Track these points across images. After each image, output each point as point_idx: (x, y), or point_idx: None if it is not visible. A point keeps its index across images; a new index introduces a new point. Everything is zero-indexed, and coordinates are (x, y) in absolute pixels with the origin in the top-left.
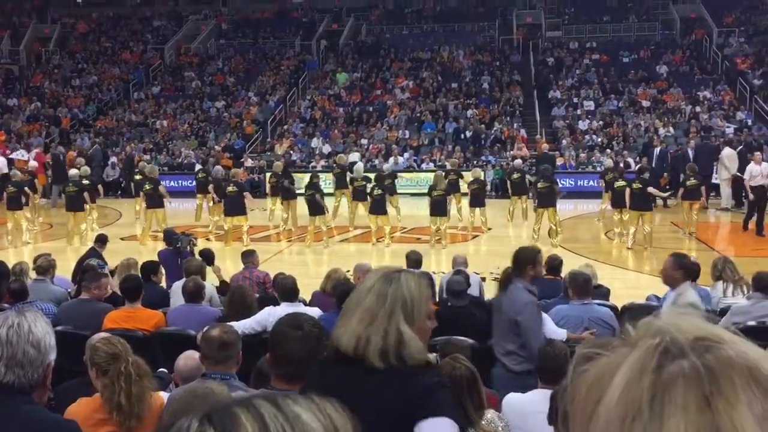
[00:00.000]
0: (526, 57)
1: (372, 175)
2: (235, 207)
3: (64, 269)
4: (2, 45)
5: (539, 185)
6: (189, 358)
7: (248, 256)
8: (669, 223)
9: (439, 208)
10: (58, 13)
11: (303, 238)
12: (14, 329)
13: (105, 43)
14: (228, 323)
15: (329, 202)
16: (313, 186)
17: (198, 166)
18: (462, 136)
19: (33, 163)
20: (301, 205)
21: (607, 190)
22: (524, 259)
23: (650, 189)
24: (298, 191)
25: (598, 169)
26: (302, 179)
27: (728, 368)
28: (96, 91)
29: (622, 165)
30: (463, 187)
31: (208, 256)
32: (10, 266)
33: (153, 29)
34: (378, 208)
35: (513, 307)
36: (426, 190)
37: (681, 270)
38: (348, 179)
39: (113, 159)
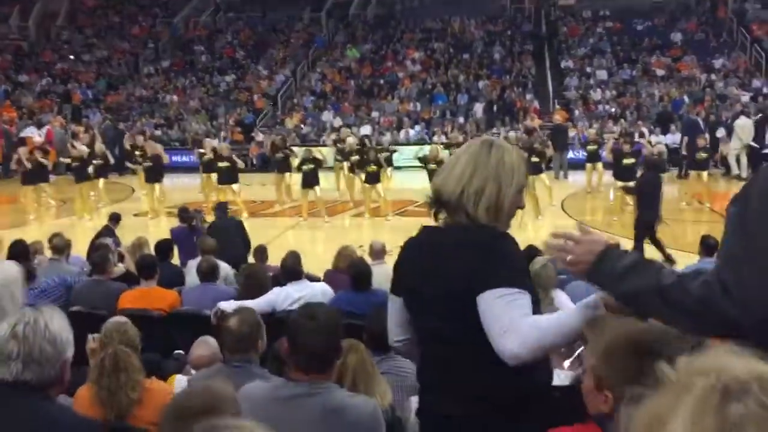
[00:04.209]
0: (538, 26)
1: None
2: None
3: (77, 248)
4: (11, 20)
5: None
6: (203, 346)
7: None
8: (685, 194)
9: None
10: None
11: (299, 211)
12: (30, 326)
13: (114, 18)
14: (245, 310)
15: (330, 177)
16: (309, 159)
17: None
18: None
19: (38, 139)
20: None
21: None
22: None
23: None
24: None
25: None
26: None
27: None
28: (106, 67)
29: (637, 135)
30: None
31: None
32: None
33: (162, 3)
34: (371, 179)
35: None
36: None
37: None
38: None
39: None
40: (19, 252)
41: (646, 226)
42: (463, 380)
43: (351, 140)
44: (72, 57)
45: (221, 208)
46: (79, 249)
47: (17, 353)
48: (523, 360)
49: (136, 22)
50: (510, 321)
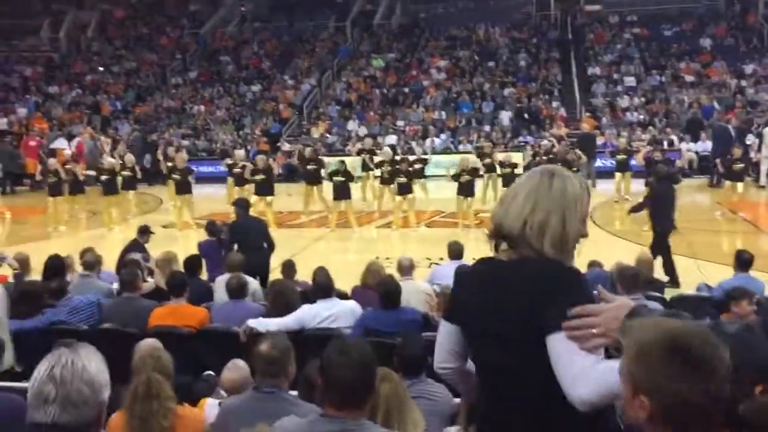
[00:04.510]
0: (564, 33)
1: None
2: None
3: (107, 257)
4: (42, 32)
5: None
6: (234, 369)
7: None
8: (718, 204)
9: (465, 190)
10: (96, 0)
11: (326, 222)
12: (68, 368)
13: (142, 29)
14: (274, 330)
15: (357, 187)
16: (341, 171)
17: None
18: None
19: (67, 152)
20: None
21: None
22: None
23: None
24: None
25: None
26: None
27: None
28: (134, 78)
29: (666, 143)
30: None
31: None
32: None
33: (189, 14)
34: (404, 190)
35: None
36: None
37: None
38: (375, 164)
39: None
40: (56, 267)
41: (662, 238)
42: (526, 417)
43: (387, 150)
44: (101, 68)
45: (242, 204)
46: (109, 260)
47: (54, 396)
48: (594, 406)
49: (164, 34)
50: (581, 367)
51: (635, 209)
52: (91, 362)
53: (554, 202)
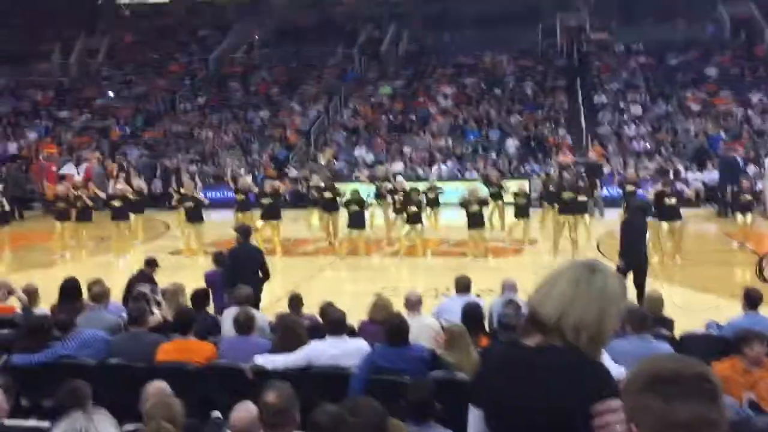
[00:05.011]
0: (570, 61)
1: (418, 186)
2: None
3: (115, 284)
4: (53, 58)
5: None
6: (245, 411)
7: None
8: (726, 235)
9: (477, 221)
10: (106, 26)
11: (333, 250)
12: None
13: (152, 54)
14: (279, 383)
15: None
16: (356, 200)
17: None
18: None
19: (77, 178)
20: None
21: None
22: None
23: None
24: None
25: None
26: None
27: None
28: (144, 103)
29: (672, 173)
30: (506, 197)
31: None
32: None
33: (198, 39)
34: (415, 220)
35: None
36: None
37: None
38: (388, 191)
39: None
40: (72, 289)
41: (624, 273)
42: None
43: (400, 179)
44: (111, 94)
45: (244, 231)
46: (116, 288)
47: None
48: None
49: (174, 59)
50: None
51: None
52: (105, 428)
53: (593, 299)
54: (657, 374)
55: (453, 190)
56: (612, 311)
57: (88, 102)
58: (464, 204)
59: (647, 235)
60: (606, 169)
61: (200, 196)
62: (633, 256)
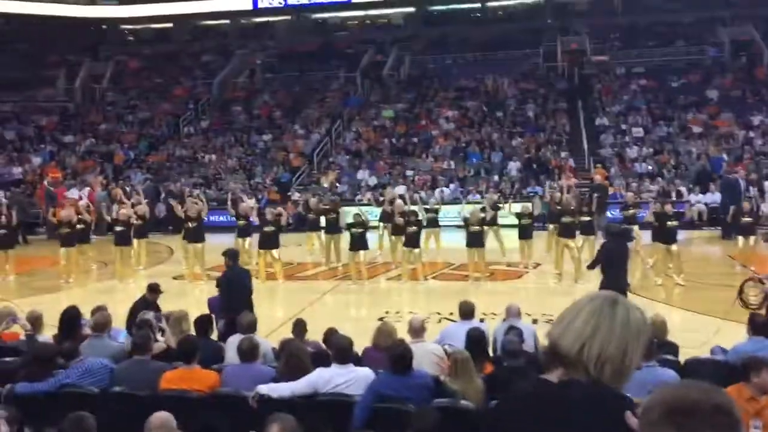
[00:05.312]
0: (571, 84)
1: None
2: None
3: (118, 309)
4: (58, 83)
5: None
6: None
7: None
8: (729, 257)
9: (476, 241)
10: (110, 51)
11: (348, 276)
12: None
13: (156, 79)
14: (283, 415)
15: (374, 237)
16: (359, 223)
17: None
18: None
19: (83, 202)
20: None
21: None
22: None
23: None
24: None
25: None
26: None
27: None
28: (148, 127)
29: (674, 194)
30: (505, 219)
31: None
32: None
33: (202, 64)
34: (412, 243)
35: None
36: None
37: None
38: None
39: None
40: (71, 318)
41: None
42: None
43: (399, 203)
44: (115, 118)
45: (232, 255)
46: (120, 313)
47: None
48: None
49: (178, 84)
50: None
51: (591, 266)
52: None
53: (616, 331)
54: (674, 405)
55: (455, 213)
56: (635, 344)
57: (93, 127)
58: (465, 223)
59: (628, 262)
60: (609, 191)
61: (203, 207)
62: (613, 283)
